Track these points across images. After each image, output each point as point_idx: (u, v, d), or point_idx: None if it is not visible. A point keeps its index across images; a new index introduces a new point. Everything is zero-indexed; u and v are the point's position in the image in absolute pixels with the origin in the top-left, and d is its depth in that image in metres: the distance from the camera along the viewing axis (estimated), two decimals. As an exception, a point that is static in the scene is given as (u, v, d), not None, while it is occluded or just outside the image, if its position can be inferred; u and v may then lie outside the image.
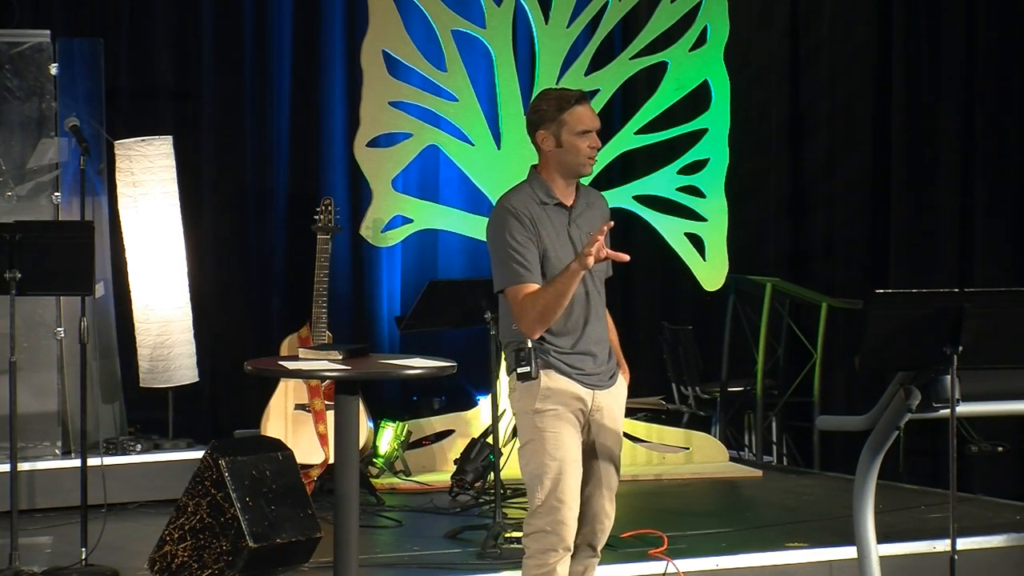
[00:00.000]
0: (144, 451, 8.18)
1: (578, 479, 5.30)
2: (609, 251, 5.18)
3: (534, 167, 5.43)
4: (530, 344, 5.25)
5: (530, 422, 5.30)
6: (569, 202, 5.39)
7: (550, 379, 5.28)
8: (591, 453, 5.38)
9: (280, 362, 6.21)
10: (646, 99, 9.36)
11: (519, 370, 5.28)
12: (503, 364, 8.65)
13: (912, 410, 5.74)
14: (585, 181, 5.51)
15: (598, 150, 5.38)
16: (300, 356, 5.94)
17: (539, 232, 5.28)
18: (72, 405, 8.05)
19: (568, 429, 5.28)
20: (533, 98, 5.45)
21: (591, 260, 5.12)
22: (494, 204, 8.86)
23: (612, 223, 5.26)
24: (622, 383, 5.48)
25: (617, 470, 5.45)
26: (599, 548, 5.48)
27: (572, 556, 5.39)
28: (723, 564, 6.90)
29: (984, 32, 10.21)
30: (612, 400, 5.42)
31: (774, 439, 10.19)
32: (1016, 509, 8.16)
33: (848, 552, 6.66)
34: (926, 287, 5.82)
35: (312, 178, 9.61)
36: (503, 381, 8.45)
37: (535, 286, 5.23)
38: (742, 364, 10.19)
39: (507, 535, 7.01)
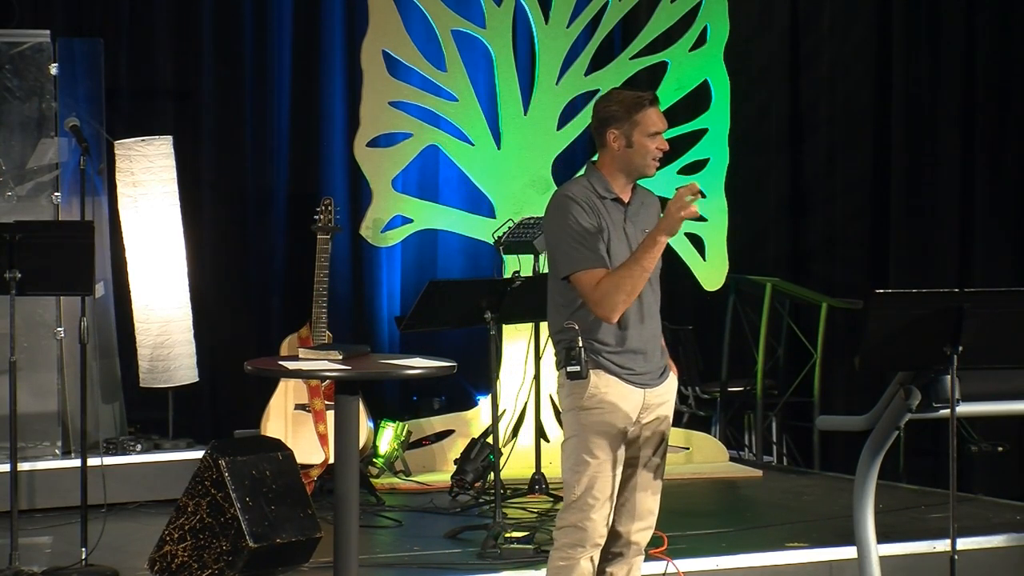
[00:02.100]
0: (144, 451, 8.17)
1: (615, 480, 5.30)
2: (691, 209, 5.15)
3: (592, 163, 5.43)
4: (580, 343, 5.21)
5: (575, 419, 5.30)
6: (626, 199, 5.40)
7: (599, 379, 5.27)
8: (640, 452, 5.37)
9: (280, 362, 6.20)
10: (646, 99, 9.34)
11: (569, 369, 5.23)
12: (503, 364, 8.72)
13: (912, 410, 5.74)
14: None
15: (664, 152, 5.40)
16: (300, 356, 5.93)
17: (599, 222, 5.28)
18: (72, 405, 8.05)
19: (613, 430, 5.27)
20: (601, 95, 5.47)
21: (679, 217, 5.13)
22: (495, 204, 9.02)
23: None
24: (672, 380, 5.46)
25: (663, 468, 5.44)
26: (644, 545, 5.46)
27: (618, 555, 5.39)
28: (723, 564, 6.90)
29: (984, 32, 10.21)
30: (662, 398, 5.40)
31: (774, 439, 10.19)
32: (1016, 509, 8.16)
33: (848, 552, 6.66)
34: (926, 287, 5.82)
35: (312, 178, 9.60)
36: (503, 381, 8.49)
37: (604, 270, 5.20)
38: (742, 364, 10.18)
39: (507, 535, 7.01)
